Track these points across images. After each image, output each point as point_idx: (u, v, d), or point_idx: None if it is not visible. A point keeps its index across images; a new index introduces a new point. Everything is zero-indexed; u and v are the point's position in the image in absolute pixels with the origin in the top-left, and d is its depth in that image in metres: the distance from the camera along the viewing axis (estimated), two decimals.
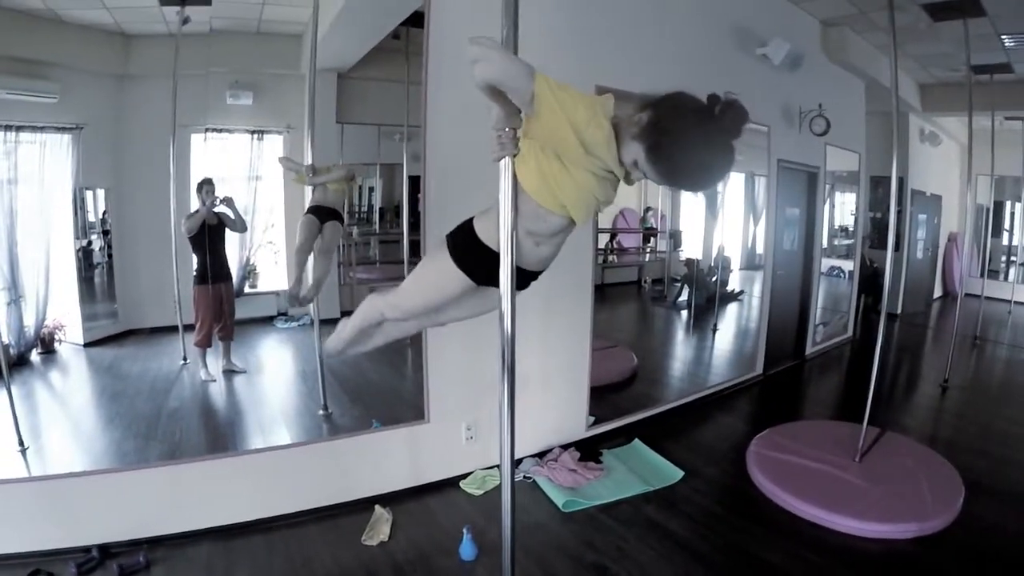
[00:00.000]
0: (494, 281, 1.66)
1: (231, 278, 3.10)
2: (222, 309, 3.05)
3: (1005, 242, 11.64)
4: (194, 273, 2.97)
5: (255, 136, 3.16)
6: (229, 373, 3.11)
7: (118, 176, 2.88)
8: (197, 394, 3.06)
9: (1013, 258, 11.53)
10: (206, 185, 2.93)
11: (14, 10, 2.54)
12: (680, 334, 5.61)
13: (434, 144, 3.10)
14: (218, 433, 3.04)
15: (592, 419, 4.01)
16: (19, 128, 2.63)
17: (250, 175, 3.15)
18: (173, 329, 3.02)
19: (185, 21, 2.79)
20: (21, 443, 2.60)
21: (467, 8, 3.06)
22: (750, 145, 5.29)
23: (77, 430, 2.87)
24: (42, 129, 2.72)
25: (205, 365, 3.04)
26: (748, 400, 5.18)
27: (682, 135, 1.32)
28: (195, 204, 2.92)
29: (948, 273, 11.06)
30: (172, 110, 2.84)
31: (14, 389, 2.64)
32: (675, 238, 5.34)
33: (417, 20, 3.05)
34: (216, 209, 2.96)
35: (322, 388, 3.23)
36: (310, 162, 3.08)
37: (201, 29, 2.86)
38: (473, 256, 1.65)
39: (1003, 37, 5.96)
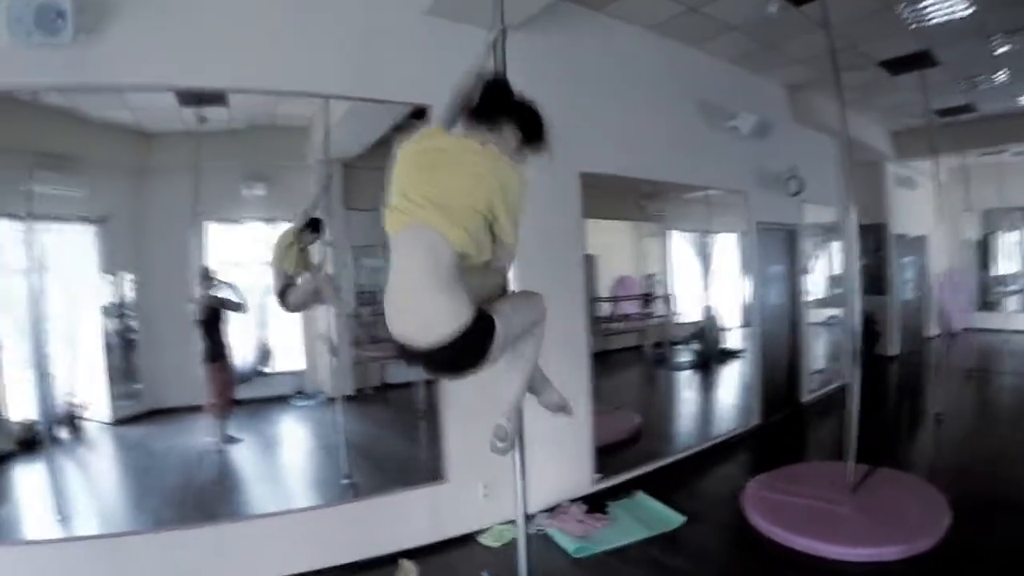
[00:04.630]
0: None
1: (227, 357, 3.32)
2: (224, 384, 3.31)
3: (998, 272, 11.71)
4: (203, 353, 3.24)
5: (268, 223, 3.44)
6: (229, 441, 3.30)
7: (139, 262, 3.11)
8: (228, 465, 3.31)
9: (1012, 287, 11.65)
10: (206, 272, 3.20)
11: (46, 108, 2.80)
12: (683, 393, 5.85)
13: None
14: (252, 499, 3.28)
15: (599, 476, 4.20)
16: (51, 218, 2.87)
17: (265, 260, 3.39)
18: (193, 408, 3.22)
19: (202, 120, 3.07)
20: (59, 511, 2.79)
21: None
22: (734, 205, 5.65)
23: (123, 498, 3.11)
24: (70, 220, 2.97)
25: (219, 433, 3.25)
26: (748, 448, 5.33)
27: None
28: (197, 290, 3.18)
29: (941, 310, 11.16)
30: (193, 204, 3.11)
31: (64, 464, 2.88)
32: (673, 301, 5.55)
33: (418, 113, 3.32)
34: (218, 293, 3.23)
35: (345, 457, 3.44)
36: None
37: (217, 127, 3.14)
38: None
39: (960, 82, 6.36)
